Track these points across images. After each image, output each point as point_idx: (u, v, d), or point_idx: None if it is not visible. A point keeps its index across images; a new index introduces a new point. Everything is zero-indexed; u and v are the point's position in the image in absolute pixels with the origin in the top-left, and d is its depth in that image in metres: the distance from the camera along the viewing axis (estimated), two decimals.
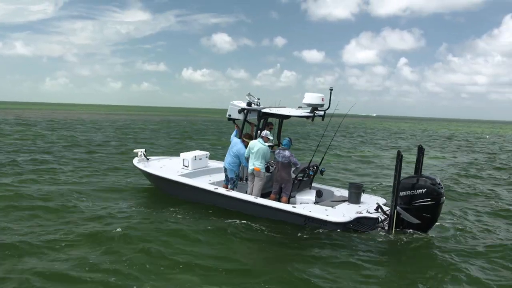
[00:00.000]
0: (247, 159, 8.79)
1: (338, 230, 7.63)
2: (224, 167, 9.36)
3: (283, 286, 5.51)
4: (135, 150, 11.41)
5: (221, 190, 8.93)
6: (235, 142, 9.24)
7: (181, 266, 6.00)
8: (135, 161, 10.97)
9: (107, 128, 37.92)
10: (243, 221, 8.11)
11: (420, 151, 8.03)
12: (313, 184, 9.94)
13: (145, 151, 11.33)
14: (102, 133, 32.05)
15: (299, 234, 7.62)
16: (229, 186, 9.26)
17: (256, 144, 8.59)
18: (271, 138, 8.83)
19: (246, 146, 9.01)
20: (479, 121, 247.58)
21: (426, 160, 16.40)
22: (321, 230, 7.67)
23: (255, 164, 8.59)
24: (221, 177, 10.16)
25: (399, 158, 7.11)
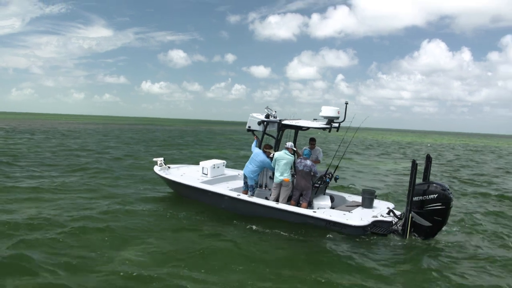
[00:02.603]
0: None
1: (357, 233, 8.34)
2: (244, 174, 9.98)
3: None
4: (154, 159, 11.93)
5: (244, 197, 9.52)
6: (257, 153, 9.80)
7: (214, 268, 6.52)
8: (157, 169, 11.48)
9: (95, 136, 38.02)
10: (267, 226, 8.70)
11: (428, 159, 8.82)
12: (326, 191, 10.65)
13: (164, 159, 11.88)
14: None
15: (318, 237, 8.22)
16: (249, 193, 9.89)
17: (284, 156, 9.23)
18: (295, 149, 9.53)
19: (267, 156, 9.70)
20: (408, 131, 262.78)
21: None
22: (341, 234, 8.34)
23: (284, 175, 9.25)
24: (237, 184, 10.81)
25: (414, 167, 7.87)
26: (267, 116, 10.14)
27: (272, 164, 9.50)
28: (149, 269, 6.30)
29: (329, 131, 9.57)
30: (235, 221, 9.14)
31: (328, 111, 9.32)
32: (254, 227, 8.77)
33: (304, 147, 10.36)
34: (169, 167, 11.73)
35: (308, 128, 9.89)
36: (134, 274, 6.06)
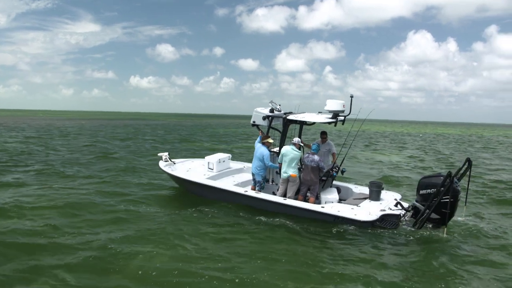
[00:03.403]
0: (280, 164, 9.46)
1: (365, 227, 8.39)
2: (252, 172, 10.01)
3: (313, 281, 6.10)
4: (159, 154, 11.93)
5: (251, 193, 9.53)
6: (257, 148, 9.87)
7: (217, 264, 6.52)
8: (162, 164, 11.46)
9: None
10: (275, 220, 8.75)
11: (469, 162, 8.33)
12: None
13: (169, 154, 11.86)
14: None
15: (326, 231, 8.23)
16: (257, 188, 9.91)
17: (290, 152, 9.22)
18: (302, 144, 9.51)
19: (268, 146, 9.75)
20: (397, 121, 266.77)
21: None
22: (348, 228, 8.39)
23: (291, 170, 9.25)
24: (244, 177, 10.88)
25: (450, 179, 7.91)
26: (272, 110, 10.07)
27: (279, 160, 9.50)
28: (163, 263, 6.41)
29: (335, 125, 9.53)
30: (241, 213, 9.18)
31: (333, 104, 9.27)
32: (262, 219, 8.85)
33: (315, 141, 10.34)
34: (174, 162, 11.72)
35: (313, 123, 9.83)
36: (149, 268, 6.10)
